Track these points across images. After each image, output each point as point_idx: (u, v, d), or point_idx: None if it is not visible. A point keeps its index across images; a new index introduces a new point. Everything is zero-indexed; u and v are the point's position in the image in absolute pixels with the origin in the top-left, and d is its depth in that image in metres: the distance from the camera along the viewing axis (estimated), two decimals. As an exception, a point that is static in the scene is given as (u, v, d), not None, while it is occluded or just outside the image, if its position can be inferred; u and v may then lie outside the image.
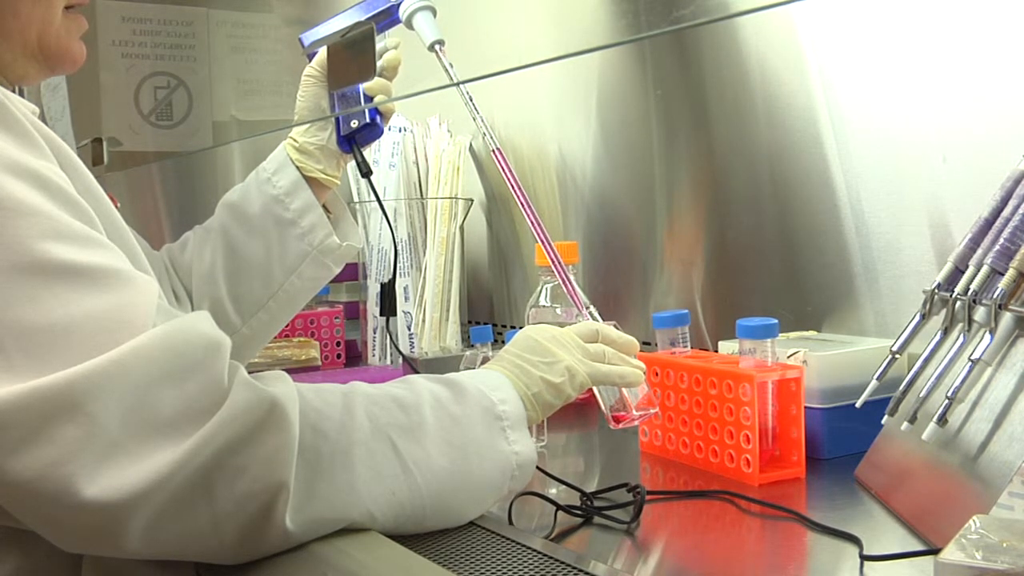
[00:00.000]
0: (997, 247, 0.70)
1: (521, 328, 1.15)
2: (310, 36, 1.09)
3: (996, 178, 0.75)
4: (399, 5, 1.01)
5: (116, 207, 0.74)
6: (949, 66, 0.92)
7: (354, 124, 1.04)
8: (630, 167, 1.32)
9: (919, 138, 0.95)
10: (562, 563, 0.61)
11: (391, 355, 1.46)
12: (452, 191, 1.47)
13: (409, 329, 1.45)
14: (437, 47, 0.96)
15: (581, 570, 0.60)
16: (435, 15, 0.99)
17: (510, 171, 0.94)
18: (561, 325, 1.18)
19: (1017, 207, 0.71)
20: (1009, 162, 0.75)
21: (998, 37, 0.88)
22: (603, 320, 0.90)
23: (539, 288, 1.23)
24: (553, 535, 0.72)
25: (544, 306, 1.21)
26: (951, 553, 0.51)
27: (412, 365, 1.31)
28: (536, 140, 1.48)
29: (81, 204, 0.64)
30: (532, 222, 0.92)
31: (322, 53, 1.06)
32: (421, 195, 1.49)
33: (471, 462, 0.69)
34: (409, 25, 1.00)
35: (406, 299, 1.45)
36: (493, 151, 0.95)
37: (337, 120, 1.05)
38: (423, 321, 1.46)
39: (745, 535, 0.74)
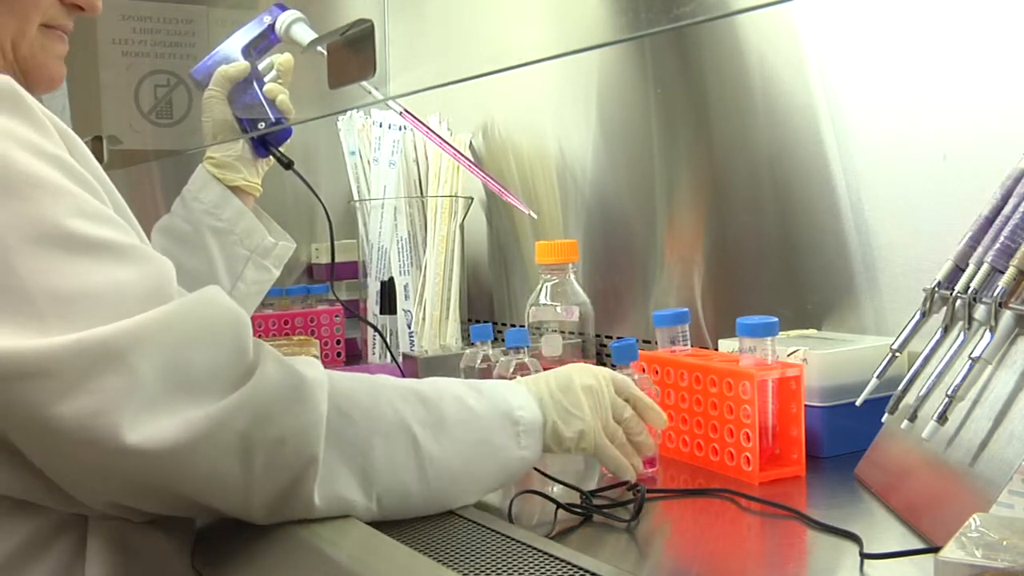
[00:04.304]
0: (997, 245, 0.70)
1: (521, 326, 1.15)
2: (199, 71, 1.18)
3: (996, 176, 0.75)
4: (273, 26, 1.14)
5: None
6: (949, 64, 0.92)
7: (261, 126, 1.13)
8: (630, 166, 1.32)
9: (919, 136, 0.95)
10: (562, 561, 0.61)
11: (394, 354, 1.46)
12: (452, 189, 1.47)
13: (409, 327, 1.45)
14: (316, 47, 1.10)
15: (581, 568, 0.60)
16: (307, 24, 1.14)
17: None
18: (562, 323, 1.20)
19: (1017, 205, 0.71)
20: (1009, 160, 0.75)
21: (998, 37, 0.88)
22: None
23: (539, 286, 1.23)
24: (553, 533, 0.72)
25: (544, 304, 1.21)
26: (951, 551, 0.51)
27: (398, 364, 1.33)
28: (536, 139, 1.48)
29: (97, 188, 0.68)
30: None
31: (217, 74, 1.14)
32: (421, 193, 1.49)
33: (481, 461, 0.73)
34: (289, 37, 1.14)
35: (406, 297, 1.45)
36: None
37: (246, 130, 1.14)
38: (423, 319, 1.46)
39: (745, 533, 0.74)
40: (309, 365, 0.67)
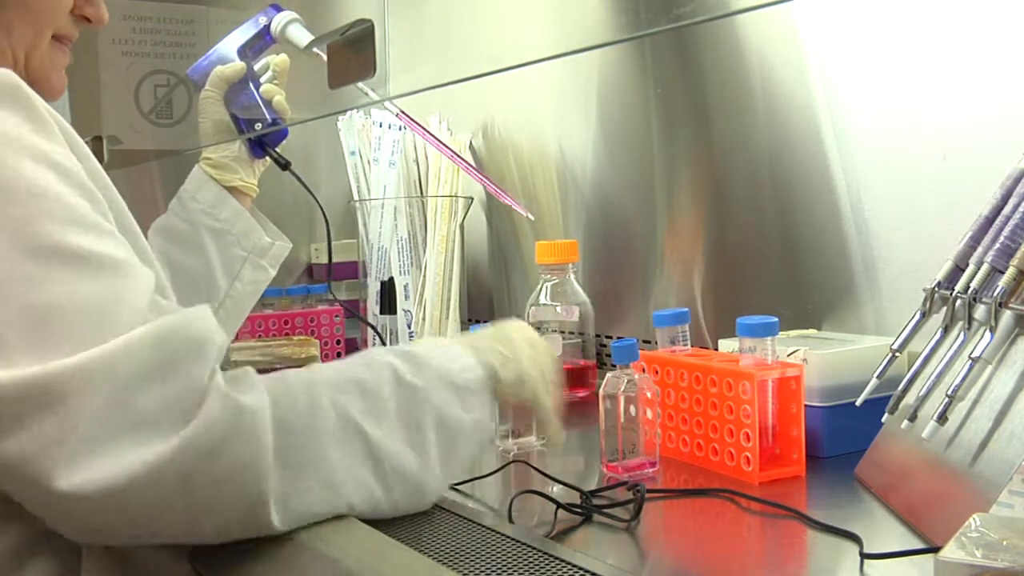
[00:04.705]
0: (997, 245, 0.70)
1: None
2: (196, 71, 1.18)
3: (996, 176, 0.75)
4: (269, 27, 1.14)
5: None
6: (949, 64, 0.92)
7: (258, 127, 1.13)
8: (630, 165, 1.32)
9: (919, 136, 0.95)
10: (562, 561, 0.61)
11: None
12: (452, 189, 1.47)
13: (409, 327, 1.45)
14: (314, 47, 1.10)
15: (581, 568, 0.60)
16: (303, 24, 1.15)
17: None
18: (562, 323, 1.20)
19: (1017, 205, 0.71)
20: (1009, 160, 0.75)
21: (998, 36, 0.88)
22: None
23: (539, 286, 1.23)
24: (553, 533, 0.72)
25: (544, 304, 1.22)
26: (951, 551, 0.51)
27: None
28: (536, 138, 1.48)
29: (94, 192, 0.67)
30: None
31: (214, 75, 1.14)
32: (421, 193, 1.49)
33: (434, 438, 0.71)
34: (284, 38, 1.14)
35: (406, 297, 1.45)
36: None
37: (243, 131, 1.13)
38: (423, 319, 1.46)
39: (745, 533, 0.74)
40: (247, 384, 0.64)
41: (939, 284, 0.76)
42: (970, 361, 0.67)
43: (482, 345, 0.78)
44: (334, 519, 0.67)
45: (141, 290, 0.64)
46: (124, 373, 0.59)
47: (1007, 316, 0.67)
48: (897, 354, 0.78)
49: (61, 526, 0.62)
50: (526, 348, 0.79)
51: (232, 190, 1.14)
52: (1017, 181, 0.73)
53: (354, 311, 1.48)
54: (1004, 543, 0.51)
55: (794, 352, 0.89)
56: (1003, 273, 0.69)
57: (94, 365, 0.58)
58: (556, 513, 0.74)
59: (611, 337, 1.32)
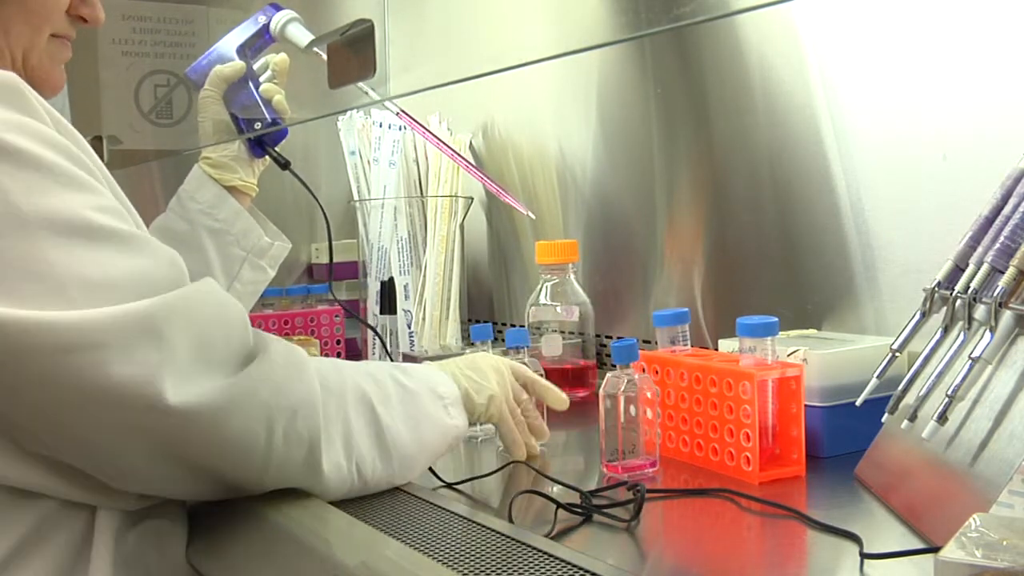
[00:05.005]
0: (997, 245, 0.70)
1: (521, 326, 1.15)
2: (195, 71, 1.18)
3: (996, 176, 0.75)
4: (268, 26, 1.15)
5: None
6: (949, 64, 0.92)
7: (258, 126, 1.13)
8: (630, 165, 1.32)
9: (919, 136, 0.95)
10: (562, 561, 0.61)
11: (392, 354, 1.46)
12: (452, 189, 1.47)
13: (409, 327, 1.45)
14: (315, 47, 1.11)
15: (581, 568, 0.60)
16: (302, 23, 1.15)
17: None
18: (562, 323, 1.20)
19: (1017, 205, 0.71)
20: (1009, 160, 0.75)
21: (998, 36, 0.88)
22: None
23: (539, 286, 1.23)
24: (553, 533, 0.72)
25: (544, 304, 1.22)
26: (951, 551, 0.51)
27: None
28: (536, 138, 1.48)
29: (103, 182, 0.71)
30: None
31: (213, 74, 1.15)
32: (421, 193, 1.49)
33: (423, 430, 0.79)
34: (284, 37, 1.14)
35: (406, 297, 1.45)
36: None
37: (242, 130, 1.14)
38: (423, 319, 1.46)
39: (745, 533, 0.74)
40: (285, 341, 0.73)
41: (939, 284, 0.76)
42: (970, 361, 0.67)
43: (454, 371, 0.87)
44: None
45: (177, 262, 0.69)
46: (199, 313, 0.66)
47: (1007, 316, 0.67)
48: (897, 354, 0.78)
49: (150, 452, 0.64)
50: (493, 375, 0.88)
51: (231, 190, 1.14)
52: (1017, 181, 0.73)
53: (354, 311, 1.48)
54: (1004, 543, 0.51)
55: (794, 352, 0.89)
56: (1003, 273, 0.69)
57: (179, 303, 0.65)
58: (556, 513, 0.74)
59: (611, 337, 1.32)
